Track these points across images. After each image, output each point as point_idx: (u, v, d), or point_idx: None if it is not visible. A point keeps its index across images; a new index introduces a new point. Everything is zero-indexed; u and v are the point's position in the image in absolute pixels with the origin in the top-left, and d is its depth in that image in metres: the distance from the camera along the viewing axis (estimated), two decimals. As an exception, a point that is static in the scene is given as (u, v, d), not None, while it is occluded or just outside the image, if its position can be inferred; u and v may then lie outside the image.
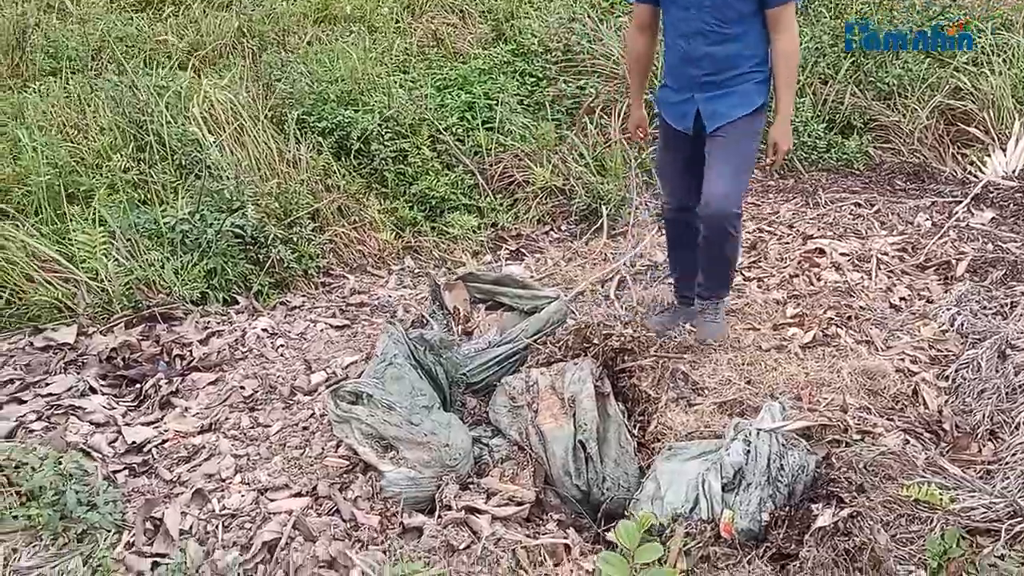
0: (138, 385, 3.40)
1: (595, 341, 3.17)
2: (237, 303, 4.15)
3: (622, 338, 3.14)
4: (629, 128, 3.56)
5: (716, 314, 3.53)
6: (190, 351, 3.64)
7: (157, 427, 3.14)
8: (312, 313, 4.19)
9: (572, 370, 3.09)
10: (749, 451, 2.55)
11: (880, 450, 2.80)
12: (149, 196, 4.48)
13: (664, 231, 3.71)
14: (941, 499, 2.61)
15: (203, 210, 4.26)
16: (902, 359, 3.40)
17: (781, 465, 2.51)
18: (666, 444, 2.86)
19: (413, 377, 3.08)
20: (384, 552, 2.52)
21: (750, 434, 2.62)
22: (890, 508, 2.62)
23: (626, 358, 3.17)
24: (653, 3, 3.21)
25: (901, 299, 3.95)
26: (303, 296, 4.41)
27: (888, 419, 3.08)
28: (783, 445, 2.60)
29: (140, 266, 3.97)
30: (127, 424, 3.13)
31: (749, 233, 4.70)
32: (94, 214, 4.08)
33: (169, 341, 3.68)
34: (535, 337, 3.36)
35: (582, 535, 2.79)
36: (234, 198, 4.36)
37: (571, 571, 2.38)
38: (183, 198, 4.42)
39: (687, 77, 3.16)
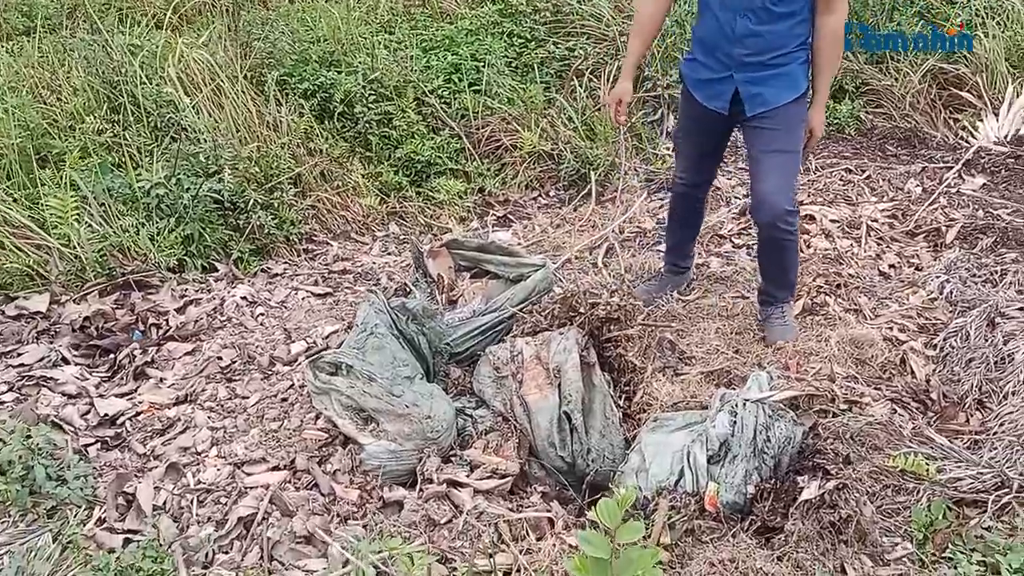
0: (112, 355, 3.32)
1: (581, 310, 3.10)
2: (216, 270, 4.06)
3: (608, 307, 3.08)
4: (609, 101, 3.22)
5: (784, 316, 3.31)
6: (166, 320, 3.55)
7: (131, 399, 3.06)
8: (294, 280, 4.10)
9: (557, 340, 3.03)
10: (735, 422, 2.50)
11: (867, 420, 2.77)
12: (123, 159, 4.35)
13: (669, 204, 3.57)
14: (928, 470, 2.59)
15: (179, 174, 4.14)
16: (890, 328, 3.36)
17: (767, 437, 2.47)
18: (651, 415, 2.81)
19: (395, 347, 3.01)
20: (364, 527, 2.47)
21: (736, 405, 2.57)
22: (876, 479, 2.59)
23: (612, 327, 3.11)
24: None
25: (890, 266, 3.90)
26: (285, 263, 4.31)
27: (876, 389, 3.05)
28: (770, 416, 2.55)
29: (114, 232, 3.86)
30: (100, 396, 3.05)
31: (739, 199, 4.62)
32: (66, 178, 3.96)
33: (144, 310, 3.59)
34: (521, 306, 3.29)
35: (567, 507, 2.75)
36: (212, 162, 4.24)
37: (554, 546, 2.33)
38: (159, 162, 4.29)
39: (727, 55, 2.87)
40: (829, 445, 2.52)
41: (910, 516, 2.46)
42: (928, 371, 3.12)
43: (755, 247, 4.05)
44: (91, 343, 3.38)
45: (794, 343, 3.20)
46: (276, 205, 4.41)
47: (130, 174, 4.16)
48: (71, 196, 3.79)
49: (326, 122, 5.06)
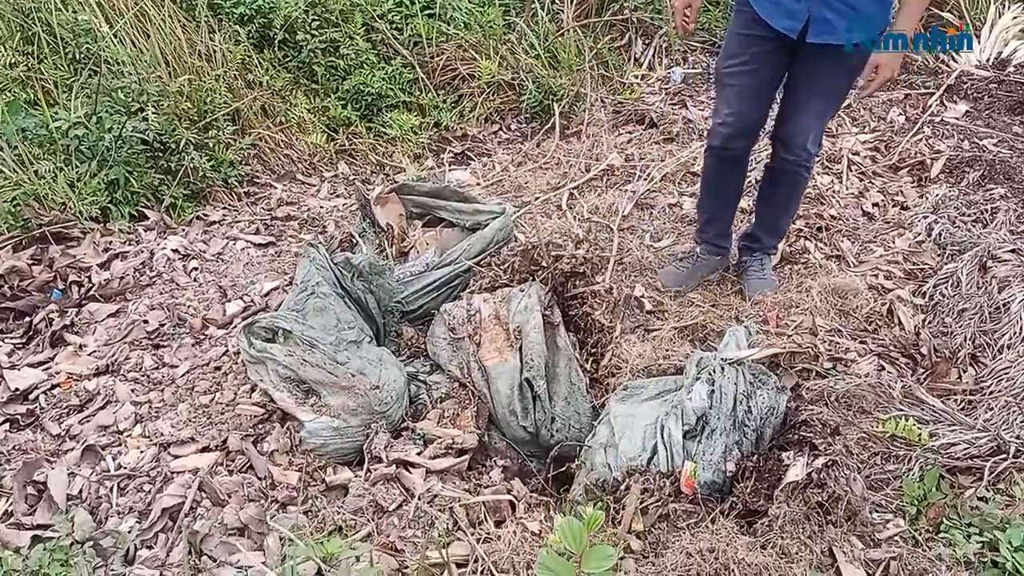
0: (28, 319, 3.00)
1: (544, 263, 2.82)
2: (146, 219, 3.70)
3: (573, 260, 2.80)
4: (677, 5, 2.72)
5: (763, 267, 3.07)
6: (88, 277, 3.22)
7: (48, 368, 2.76)
8: (233, 228, 3.77)
9: (518, 297, 2.76)
10: (713, 391, 2.27)
11: (854, 382, 2.55)
12: (39, 97, 3.92)
13: (704, 163, 2.96)
14: (920, 435, 2.39)
15: (101, 112, 3.74)
16: (875, 275, 3.14)
17: (748, 407, 2.24)
18: (621, 383, 2.57)
19: (339, 308, 2.72)
20: (305, 514, 2.23)
21: (714, 371, 2.33)
22: (865, 446, 2.39)
23: (578, 283, 2.84)
24: None
25: (874, 205, 3.66)
26: (224, 208, 3.97)
27: (861, 343, 2.84)
28: (751, 383, 2.32)
29: (28, 179, 3.48)
30: (12, 367, 2.75)
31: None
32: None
33: (64, 265, 3.25)
34: (478, 258, 3.01)
35: (530, 482, 2.53)
36: (136, 97, 3.84)
37: (514, 533, 2.10)
38: (78, 98, 3.88)
39: None
40: (814, 415, 2.30)
41: (901, 487, 2.27)
42: (917, 322, 2.90)
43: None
44: (3, 305, 3.05)
45: (773, 295, 2.96)
46: (211, 145, 4.04)
47: (46, 113, 3.75)
48: (-25, 139, 3.40)
49: (265, 51, 4.62)
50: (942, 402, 2.52)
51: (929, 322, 2.90)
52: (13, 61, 4.00)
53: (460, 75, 4.83)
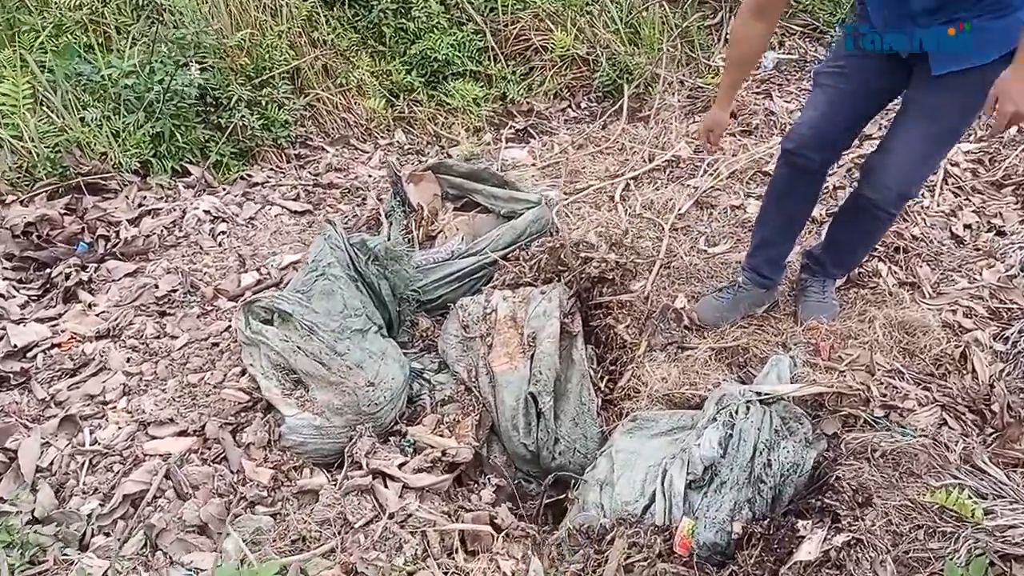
0: (48, 270, 2.95)
1: (571, 264, 2.57)
2: (189, 175, 3.62)
3: (603, 264, 2.54)
4: (702, 131, 2.52)
5: (824, 290, 2.70)
6: (116, 232, 3.15)
7: (54, 325, 2.70)
8: (275, 192, 3.65)
9: (537, 300, 2.53)
10: (731, 436, 1.99)
11: (904, 438, 2.23)
12: (100, 42, 3.87)
13: (773, 175, 2.54)
14: (973, 511, 2.06)
15: (155, 62, 3.66)
16: (953, 310, 2.75)
17: (768, 460, 1.95)
18: (637, 408, 2.31)
19: (348, 293, 2.55)
20: (274, 517, 2.08)
21: (735, 412, 2.05)
22: (907, 516, 2.07)
23: (604, 290, 2.58)
24: None
25: (966, 227, 3.22)
26: (271, 170, 3.86)
27: (924, 389, 2.48)
28: (776, 431, 2.03)
29: (72, 126, 3.43)
30: (20, 320, 2.69)
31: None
32: (19, 61, 3.51)
33: (95, 218, 3.19)
34: (506, 251, 2.79)
35: (524, 505, 2.32)
36: (191, 49, 3.74)
37: (484, 569, 1.90)
38: (135, 46, 3.81)
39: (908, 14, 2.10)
40: (846, 480, 1.99)
41: (942, 572, 1.96)
42: (994, 372, 2.52)
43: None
44: (25, 254, 3.01)
45: (830, 322, 2.63)
46: (264, 103, 3.92)
47: (103, 59, 3.69)
48: (24, 81, 3.36)
49: (335, 8, 4.48)
50: (1006, 474, 2.17)
51: (1008, 374, 2.52)
52: (78, 2, 3.97)
53: (533, 46, 4.57)
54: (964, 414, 2.42)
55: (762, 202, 2.65)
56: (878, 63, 2.23)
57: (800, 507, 1.95)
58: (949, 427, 2.36)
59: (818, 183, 2.48)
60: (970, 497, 2.07)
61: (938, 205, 3.36)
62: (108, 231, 3.15)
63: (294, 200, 3.56)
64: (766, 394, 2.22)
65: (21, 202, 3.23)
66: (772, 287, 2.69)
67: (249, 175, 3.76)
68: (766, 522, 1.85)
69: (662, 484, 1.93)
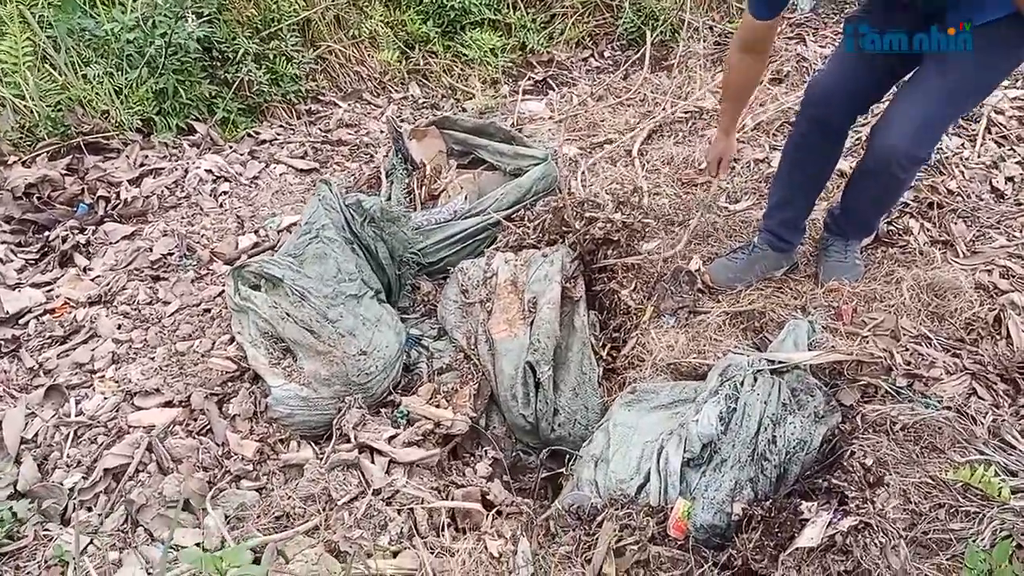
0: (47, 233, 2.89)
1: (575, 225, 2.43)
2: (194, 132, 3.52)
3: (608, 225, 2.38)
4: (711, 159, 2.46)
5: (847, 250, 2.52)
6: (117, 193, 3.07)
7: (50, 290, 2.64)
8: (283, 150, 3.54)
9: (539, 263, 2.39)
10: (735, 410, 1.85)
11: (927, 410, 2.06)
12: (104, -4, 3.77)
13: (792, 132, 2.38)
14: (1000, 489, 1.90)
15: (157, 15, 3.54)
16: (988, 270, 2.54)
17: (774, 436, 1.81)
18: (640, 377, 2.18)
19: (343, 256, 2.44)
20: (259, 491, 2.01)
21: (741, 383, 1.90)
22: (927, 494, 1.93)
23: (609, 252, 2.43)
24: (774, 15, 2.09)
25: (1008, 180, 2.98)
26: (280, 126, 3.75)
27: (953, 355, 2.30)
28: (785, 404, 1.88)
29: (74, 84, 3.34)
30: (16, 286, 2.64)
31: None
32: (25, 17, 3.42)
33: (95, 178, 3.12)
34: (510, 210, 2.64)
35: (522, 479, 2.21)
36: (194, 0, 3.61)
37: (473, 549, 1.80)
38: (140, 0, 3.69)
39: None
40: (858, 459, 1.83)
41: (962, 555, 1.81)
42: (1031, 339, 2.33)
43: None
44: (27, 216, 2.96)
45: (853, 284, 2.45)
46: (273, 56, 3.79)
47: (102, 15, 3.59)
48: (23, 38, 3.28)
49: (346, -45, 4.31)
50: (1041, 451, 2.00)
51: (1048, 341, 2.33)
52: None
53: (554, -9, 4.36)
54: (995, 383, 2.24)
55: (780, 161, 2.46)
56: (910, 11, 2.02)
57: (806, 487, 1.81)
58: (978, 397, 2.18)
59: (839, 141, 2.30)
60: (997, 474, 1.92)
61: (979, 156, 3.12)
62: (108, 192, 3.08)
63: (300, 158, 3.45)
64: (779, 363, 2.07)
65: (23, 163, 3.16)
66: (789, 250, 2.51)
67: (257, 132, 3.65)
68: (768, 503, 1.72)
69: (657, 462, 1.80)
